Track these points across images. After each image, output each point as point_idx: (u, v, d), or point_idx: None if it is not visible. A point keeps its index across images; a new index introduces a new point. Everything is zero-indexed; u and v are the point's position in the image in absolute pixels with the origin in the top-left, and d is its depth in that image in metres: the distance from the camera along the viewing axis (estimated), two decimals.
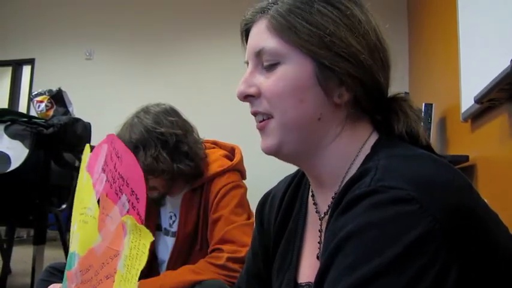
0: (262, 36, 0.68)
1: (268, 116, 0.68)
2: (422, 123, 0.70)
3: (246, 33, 0.74)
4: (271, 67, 0.67)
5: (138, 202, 0.58)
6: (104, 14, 5.96)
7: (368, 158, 0.65)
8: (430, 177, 0.54)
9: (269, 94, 0.67)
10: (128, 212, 0.59)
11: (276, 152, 0.69)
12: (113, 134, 0.68)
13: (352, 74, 0.65)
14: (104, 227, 0.64)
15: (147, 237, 0.55)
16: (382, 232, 0.50)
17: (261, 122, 0.70)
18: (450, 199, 0.52)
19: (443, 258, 0.49)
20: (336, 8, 0.66)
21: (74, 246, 0.70)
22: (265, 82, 0.68)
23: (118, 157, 0.63)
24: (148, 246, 0.55)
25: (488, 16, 1.85)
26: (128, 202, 0.59)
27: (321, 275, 0.53)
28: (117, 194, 0.62)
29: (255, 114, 0.71)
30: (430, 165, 0.57)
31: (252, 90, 0.69)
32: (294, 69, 0.66)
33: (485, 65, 1.81)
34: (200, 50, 5.54)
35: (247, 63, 0.72)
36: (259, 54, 0.68)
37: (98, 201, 0.65)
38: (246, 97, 0.70)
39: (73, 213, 0.74)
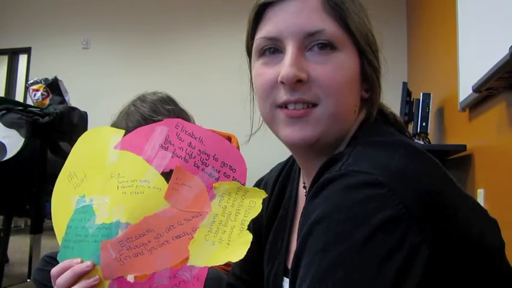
0: (318, 16, 0.62)
1: (313, 104, 0.63)
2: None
3: (264, 7, 0.65)
4: (325, 52, 0.62)
5: (234, 172, 0.70)
6: (100, 2, 5.92)
7: (352, 140, 0.66)
8: (401, 164, 0.54)
9: (326, 81, 0.62)
10: (217, 180, 0.70)
11: (313, 142, 0.64)
12: (179, 118, 0.76)
13: (378, 71, 0.67)
14: (175, 194, 0.72)
15: (258, 195, 0.69)
16: (350, 214, 0.50)
17: (301, 109, 0.63)
18: (420, 185, 0.52)
19: (412, 241, 0.48)
20: (359, 3, 0.66)
21: (114, 216, 0.74)
22: (320, 68, 0.62)
23: (195, 138, 0.73)
24: (259, 201, 0.69)
25: (487, 5, 1.84)
26: (218, 172, 0.70)
27: (296, 260, 0.53)
28: (197, 167, 0.71)
29: (297, 102, 0.63)
30: (403, 153, 0.57)
31: (303, 75, 0.62)
32: (349, 59, 0.64)
33: (484, 54, 1.80)
34: (198, 39, 5.51)
35: (271, 39, 0.64)
36: (313, 35, 0.62)
37: (163, 173, 0.74)
38: (296, 82, 0.62)
39: (101, 188, 0.78)
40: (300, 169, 0.79)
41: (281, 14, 0.64)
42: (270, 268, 0.77)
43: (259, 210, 0.68)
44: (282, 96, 0.64)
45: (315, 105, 0.63)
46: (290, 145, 0.67)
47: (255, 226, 0.84)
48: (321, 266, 0.48)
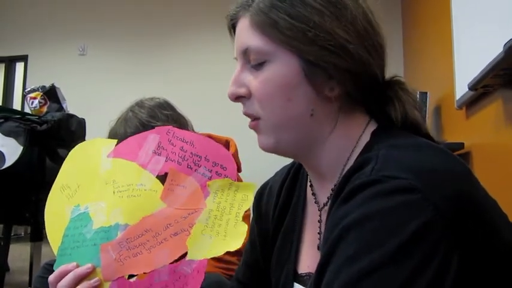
0: (246, 34, 0.66)
1: (256, 117, 0.67)
2: (417, 107, 0.68)
3: (233, 28, 0.71)
4: (259, 66, 0.65)
5: (225, 170, 0.74)
6: (96, 8, 5.92)
7: (367, 147, 0.64)
8: (431, 166, 0.54)
9: (259, 95, 0.66)
10: (210, 178, 0.74)
11: (273, 150, 0.68)
12: (169, 126, 0.80)
13: (341, 67, 0.62)
14: (171, 194, 0.75)
15: (250, 188, 0.74)
16: (383, 222, 0.49)
17: (252, 121, 0.69)
18: (451, 187, 0.52)
19: (445, 248, 0.48)
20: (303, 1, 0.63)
21: (112, 219, 0.76)
22: (254, 83, 0.66)
23: (186, 142, 0.77)
24: (251, 194, 0.73)
25: (481, 2, 1.84)
26: (210, 172, 0.75)
27: (322, 265, 0.53)
28: (190, 168, 0.76)
29: (246, 115, 0.69)
30: (430, 154, 0.57)
31: (242, 91, 0.67)
32: (281, 68, 0.64)
33: (479, 52, 1.80)
34: (193, 44, 5.52)
35: (237, 59, 0.70)
36: (245, 52, 0.66)
37: (158, 177, 0.77)
38: (237, 98, 0.68)
39: (96, 195, 0.80)
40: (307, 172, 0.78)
41: (235, 37, 0.70)
42: (279, 274, 0.76)
43: (251, 202, 0.73)
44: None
45: (259, 118, 0.67)
46: (264, 151, 0.71)
47: (260, 230, 0.84)
48: (350, 274, 0.48)
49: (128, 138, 0.82)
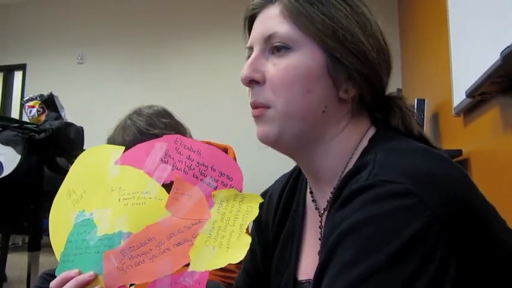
0: (274, 21, 0.67)
1: (267, 106, 0.67)
2: (415, 118, 0.70)
3: (249, 20, 0.73)
4: (281, 53, 0.66)
5: (231, 180, 0.74)
6: (95, 17, 5.94)
7: (365, 151, 0.64)
8: (428, 170, 0.54)
9: (276, 82, 0.65)
10: (215, 188, 0.74)
11: (274, 141, 0.67)
12: (178, 134, 0.80)
13: (361, 71, 0.65)
14: (176, 203, 0.75)
15: (255, 200, 0.72)
16: (380, 227, 0.49)
17: (257, 108, 0.68)
18: (448, 192, 0.52)
19: (442, 252, 0.48)
20: (348, 4, 0.66)
21: (116, 227, 0.76)
22: (273, 69, 0.66)
23: (193, 151, 0.77)
24: (256, 206, 0.71)
25: (478, 9, 1.86)
26: (216, 181, 0.74)
27: (320, 270, 0.53)
28: (196, 178, 0.75)
29: (253, 104, 0.68)
30: (427, 159, 0.57)
31: (257, 76, 0.67)
32: (306, 58, 0.65)
33: (476, 59, 1.81)
34: (191, 52, 5.53)
35: (250, 48, 0.70)
36: (269, 38, 0.67)
37: (164, 185, 0.77)
38: (250, 82, 0.68)
39: (102, 201, 0.80)
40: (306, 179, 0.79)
41: (255, 24, 0.71)
42: (279, 280, 0.76)
43: (257, 214, 0.71)
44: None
45: (269, 107, 0.66)
46: (263, 143, 0.70)
47: (260, 238, 0.84)
48: (348, 279, 0.48)
49: (136, 146, 0.82)
